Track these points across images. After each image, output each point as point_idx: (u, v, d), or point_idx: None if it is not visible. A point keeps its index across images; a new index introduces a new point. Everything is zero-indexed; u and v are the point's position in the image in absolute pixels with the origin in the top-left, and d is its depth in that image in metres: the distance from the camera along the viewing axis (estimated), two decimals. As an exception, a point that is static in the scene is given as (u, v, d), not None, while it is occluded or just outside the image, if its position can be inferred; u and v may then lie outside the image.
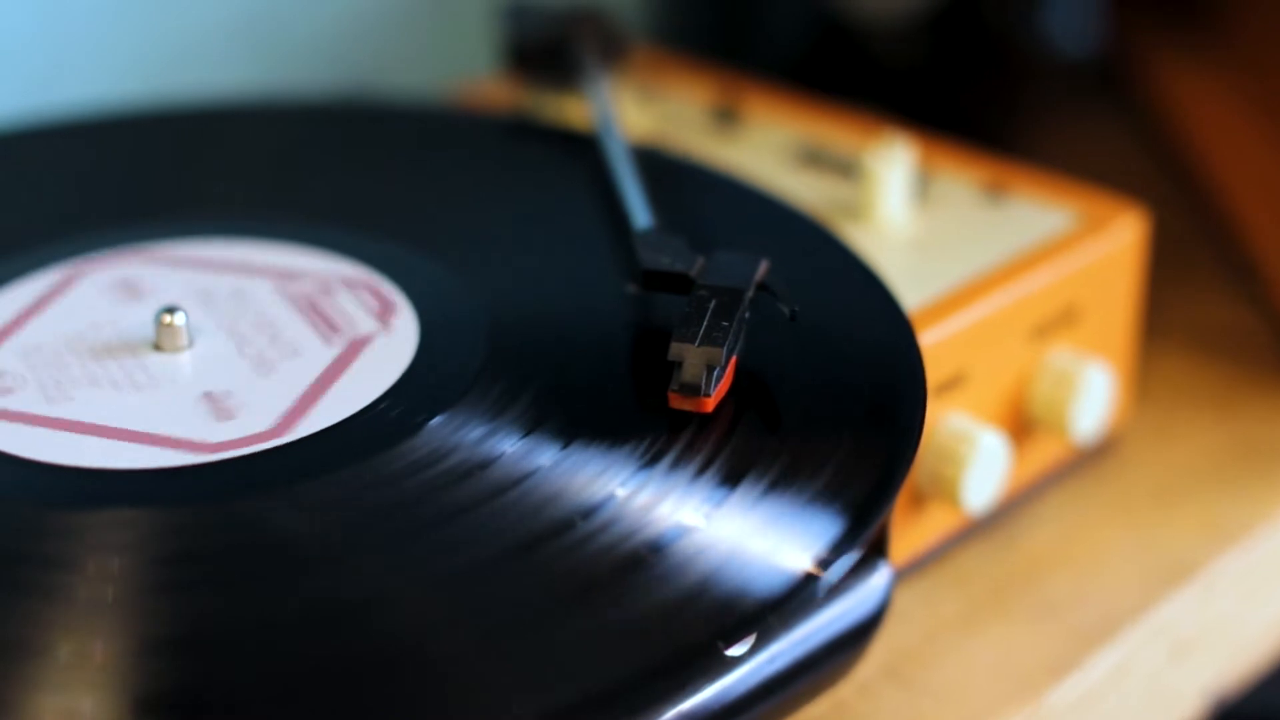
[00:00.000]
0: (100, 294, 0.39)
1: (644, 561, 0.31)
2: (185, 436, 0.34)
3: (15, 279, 0.40)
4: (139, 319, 0.38)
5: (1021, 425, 0.43)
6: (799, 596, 0.31)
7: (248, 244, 0.41)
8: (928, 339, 0.39)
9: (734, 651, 0.30)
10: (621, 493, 0.33)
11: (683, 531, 0.32)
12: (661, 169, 0.44)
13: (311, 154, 0.47)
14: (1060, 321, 0.43)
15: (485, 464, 0.33)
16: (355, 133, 0.48)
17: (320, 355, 0.37)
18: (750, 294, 0.36)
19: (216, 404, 0.35)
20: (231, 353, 0.37)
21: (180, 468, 0.33)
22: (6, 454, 0.34)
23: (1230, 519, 0.45)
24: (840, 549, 0.32)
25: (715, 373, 0.34)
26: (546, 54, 0.50)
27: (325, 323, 0.38)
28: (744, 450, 0.34)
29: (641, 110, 0.50)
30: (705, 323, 0.35)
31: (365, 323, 0.38)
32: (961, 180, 0.46)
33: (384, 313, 0.38)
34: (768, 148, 0.48)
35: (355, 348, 0.37)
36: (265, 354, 0.37)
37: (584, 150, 0.45)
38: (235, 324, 0.38)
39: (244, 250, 0.41)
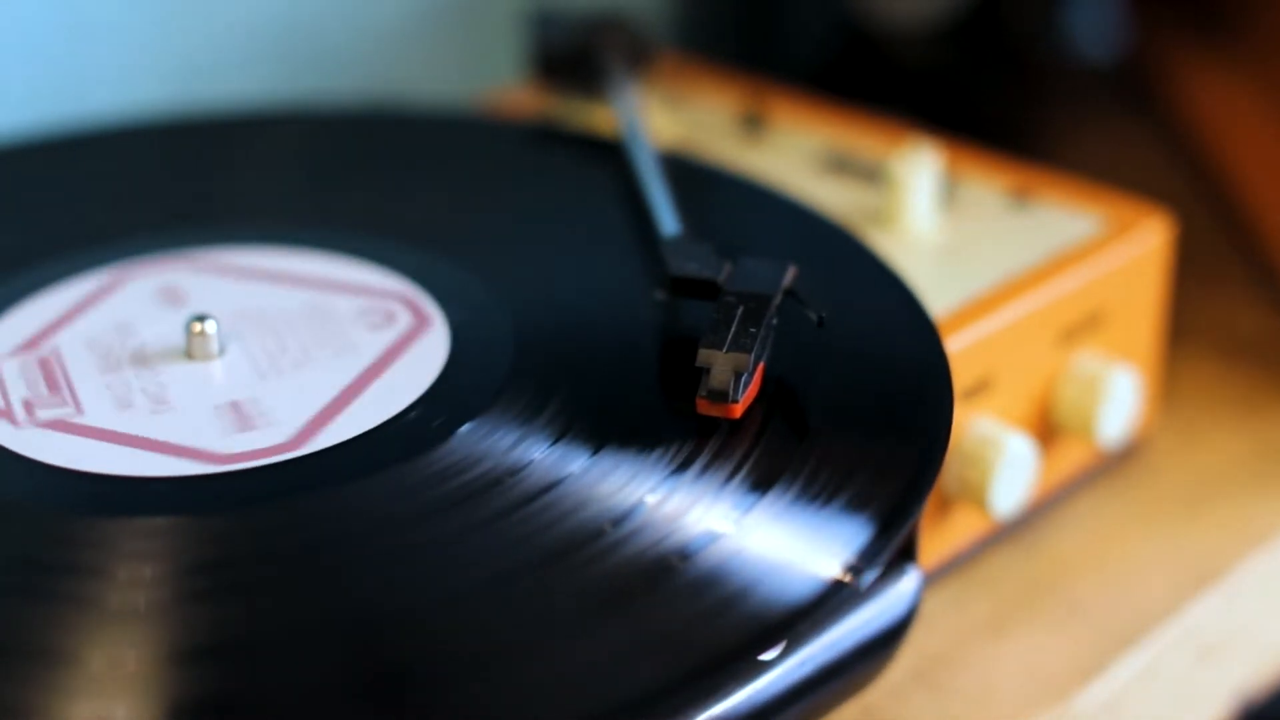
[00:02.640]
0: (143, 299, 0.39)
1: (674, 568, 0.31)
2: (202, 447, 0.34)
3: (59, 281, 0.40)
4: (176, 325, 0.38)
5: (1048, 429, 0.43)
6: (829, 602, 0.31)
7: (286, 252, 0.41)
8: (954, 344, 0.40)
9: (765, 656, 0.30)
10: (651, 499, 0.33)
11: (712, 538, 0.32)
12: (688, 176, 0.44)
13: (340, 162, 0.47)
14: (1086, 326, 0.43)
15: (515, 471, 0.33)
16: (384, 141, 0.48)
17: (348, 367, 0.37)
18: (778, 300, 0.36)
19: (239, 414, 0.35)
20: (258, 363, 0.37)
21: (195, 477, 0.33)
22: (23, 457, 0.34)
23: (1256, 522, 0.45)
24: (870, 554, 0.32)
25: (743, 379, 0.34)
26: (573, 62, 0.50)
27: (354, 337, 0.38)
28: (772, 456, 0.34)
29: (668, 117, 0.50)
30: (733, 329, 0.35)
31: (396, 336, 0.38)
32: (987, 186, 0.46)
33: (416, 327, 0.38)
34: (794, 154, 0.48)
35: (385, 360, 0.37)
36: (292, 365, 0.37)
37: (611, 157, 0.45)
38: (266, 335, 0.38)
39: (283, 259, 0.41)
